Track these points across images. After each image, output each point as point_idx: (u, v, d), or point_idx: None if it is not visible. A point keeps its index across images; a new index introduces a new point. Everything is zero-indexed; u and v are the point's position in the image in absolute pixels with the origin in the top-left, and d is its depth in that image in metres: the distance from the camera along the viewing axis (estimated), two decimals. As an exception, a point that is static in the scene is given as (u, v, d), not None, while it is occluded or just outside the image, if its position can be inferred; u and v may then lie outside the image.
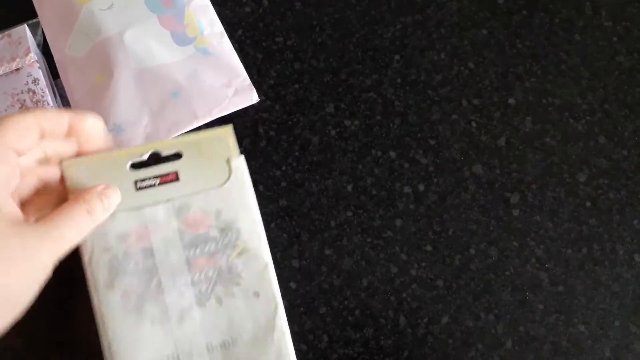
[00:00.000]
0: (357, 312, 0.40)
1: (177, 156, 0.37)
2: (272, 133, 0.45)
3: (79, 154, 0.36)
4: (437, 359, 0.38)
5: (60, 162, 0.36)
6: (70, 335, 0.39)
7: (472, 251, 0.41)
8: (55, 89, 0.45)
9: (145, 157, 0.38)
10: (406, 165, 0.44)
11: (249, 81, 0.45)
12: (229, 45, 0.46)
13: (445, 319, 0.39)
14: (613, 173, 0.44)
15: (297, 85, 0.46)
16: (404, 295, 0.40)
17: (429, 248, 0.41)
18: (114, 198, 0.35)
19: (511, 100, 0.46)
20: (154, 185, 0.37)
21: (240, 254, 0.36)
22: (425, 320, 0.39)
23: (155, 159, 0.37)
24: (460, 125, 0.45)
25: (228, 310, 0.35)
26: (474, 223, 0.42)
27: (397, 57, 0.47)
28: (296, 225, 0.42)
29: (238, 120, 0.45)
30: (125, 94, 0.44)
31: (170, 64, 0.44)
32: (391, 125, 0.45)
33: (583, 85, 0.46)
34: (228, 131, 0.38)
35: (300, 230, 0.42)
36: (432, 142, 0.44)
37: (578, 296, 0.40)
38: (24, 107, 0.43)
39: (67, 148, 0.35)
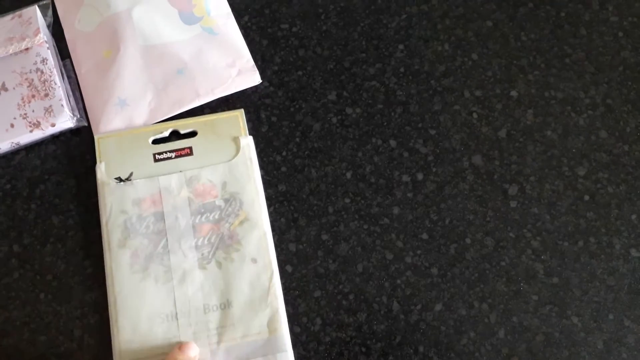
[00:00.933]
0: (351, 296, 0.40)
1: (193, 134, 0.43)
2: (274, 119, 0.45)
3: None
4: (429, 346, 0.39)
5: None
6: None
7: (468, 241, 0.41)
8: (63, 69, 0.46)
9: (166, 134, 0.43)
10: (406, 154, 0.44)
11: (252, 62, 0.45)
12: (234, 27, 0.47)
13: (438, 307, 0.40)
14: (613, 168, 0.44)
15: (300, 72, 0.46)
16: (399, 281, 0.40)
17: (425, 236, 0.42)
18: (193, 348, 0.36)
19: (513, 93, 0.46)
20: (171, 157, 0.42)
21: (241, 222, 0.40)
22: (419, 307, 0.40)
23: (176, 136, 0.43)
24: (461, 116, 0.45)
25: (227, 274, 0.39)
26: (471, 213, 0.42)
27: (401, 46, 0.47)
28: (294, 210, 0.42)
29: (241, 104, 0.45)
30: (130, 69, 0.44)
31: (177, 42, 0.45)
32: (392, 114, 0.45)
33: (586, 79, 0.46)
34: (239, 113, 0.43)
35: (298, 215, 0.42)
36: (433, 132, 0.45)
37: (573, 288, 0.40)
38: (32, 86, 0.44)
39: None
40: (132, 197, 0.40)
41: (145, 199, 0.40)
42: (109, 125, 0.44)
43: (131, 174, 0.41)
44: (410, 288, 0.40)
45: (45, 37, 0.45)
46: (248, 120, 0.45)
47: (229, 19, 0.47)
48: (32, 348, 0.39)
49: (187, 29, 0.46)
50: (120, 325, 0.38)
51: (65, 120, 0.43)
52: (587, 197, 0.43)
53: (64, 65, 0.46)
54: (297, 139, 0.44)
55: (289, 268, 0.41)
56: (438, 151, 0.44)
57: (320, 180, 0.43)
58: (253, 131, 0.44)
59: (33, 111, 0.43)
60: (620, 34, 0.48)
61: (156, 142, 0.43)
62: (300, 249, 0.41)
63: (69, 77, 0.46)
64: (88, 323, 0.39)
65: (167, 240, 0.39)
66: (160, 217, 0.40)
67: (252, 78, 0.45)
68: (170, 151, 0.42)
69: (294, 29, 0.48)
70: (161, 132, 0.43)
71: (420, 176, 0.43)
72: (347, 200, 0.43)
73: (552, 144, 0.44)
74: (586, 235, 0.42)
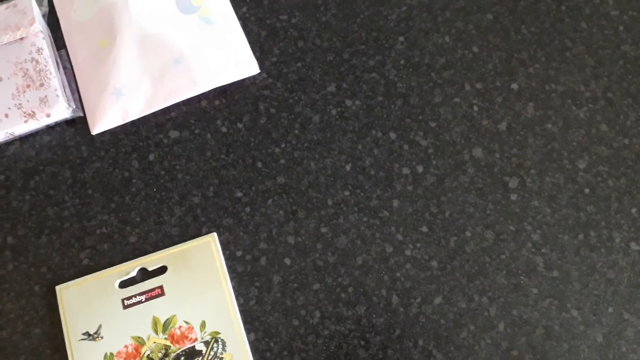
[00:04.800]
0: (350, 289, 0.40)
1: (163, 269, 0.39)
2: (272, 110, 0.45)
3: None
4: (428, 339, 0.39)
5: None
6: None
7: (468, 234, 0.41)
8: (58, 59, 0.45)
9: (133, 274, 0.39)
10: (406, 146, 0.44)
11: (250, 52, 0.45)
12: (232, 17, 0.46)
13: (438, 300, 0.40)
14: (613, 161, 0.43)
15: (299, 64, 0.46)
16: (398, 274, 0.40)
17: (424, 229, 0.41)
18: None
19: (514, 86, 0.46)
20: (141, 301, 0.37)
21: None
22: (418, 300, 0.40)
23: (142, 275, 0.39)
24: (461, 109, 0.45)
25: None
26: (471, 206, 0.42)
27: (401, 38, 0.47)
28: (293, 202, 0.42)
29: (239, 96, 0.45)
30: (127, 59, 0.44)
31: (174, 32, 0.45)
32: (392, 106, 0.45)
33: (587, 73, 0.46)
34: (212, 238, 0.39)
35: (297, 207, 0.42)
36: (433, 124, 0.44)
37: (572, 282, 0.40)
38: (26, 76, 0.43)
39: None
40: (103, 352, 0.36)
41: (119, 353, 0.36)
42: (104, 115, 0.43)
43: (100, 327, 0.37)
44: (409, 281, 0.40)
45: (40, 26, 0.44)
46: (246, 112, 0.44)
47: (228, 9, 0.46)
48: (26, 341, 0.38)
49: (185, 18, 0.45)
50: None
51: (61, 111, 0.43)
52: (587, 191, 0.42)
53: (60, 56, 0.46)
54: (296, 131, 0.44)
55: (287, 261, 0.40)
56: (438, 144, 0.44)
57: (320, 173, 0.43)
58: (251, 123, 0.44)
59: (28, 101, 0.42)
60: (621, 27, 0.48)
61: (123, 284, 0.39)
62: (299, 241, 0.41)
63: (64, 67, 0.45)
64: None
65: None
66: None
67: (250, 68, 0.45)
68: (140, 294, 0.38)
69: (293, 20, 0.47)
70: (127, 274, 0.38)
71: (420, 169, 0.43)
72: (347, 193, 0.42)
73: (552, 137, 0.44)
74: (586, 229, 0.41)
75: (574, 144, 0.44)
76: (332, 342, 0.39)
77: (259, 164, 0.43)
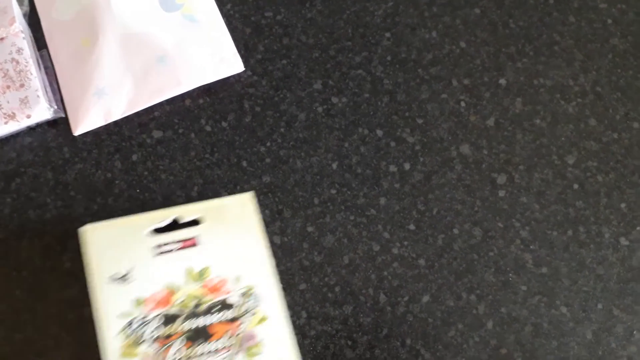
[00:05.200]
0: (337, 289, 0.39)
1: (197, 222, 0.38)
2: (257, 108, 0.44)
3: None
4: (416, 338, 0.38)
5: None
6: None
7: (456, 231, 0.41)
8: (39, 60, 0.45)
9: (165, 223, 0.38)
10: (393, 143, 0.43)
11: (235, 50, 0.44)
12: (216, 14, 0.45)
13: (426, 298, 0.39)
14: (602, 156, 0.43)
15: (284, 61, 0.45)
16: (385, 273, 0.40)
17: (412, 227, 0.41)
18: None
19: (502, 81, 0.45)
20: (174, 250, 0.36)
21: (260, 321, 0.35)
22: (406, 298, 0.39)
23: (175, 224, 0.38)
24: (449, 105, 0.44)
25: None
26: (459, 203, 0.41)
27: (387, 34, 0.46)
28: (279, 201, 0.41)
29: (224, 94, 0.44)
30: (109, 58, 0.43)
31: (157, 30, 0.44)
32: (379, 103, 0.44)
33: (575, 67, 0.46)
34: (249, 197, 0.38)
35: (283, 206, 0.41)
36: (420, 121, 0.44)
37: (562, 278, 0.40)
38: (6, 77, 0.42)
39: None
40: (132, 297, 0.35)
41: (149, 299, 0.35)
42: (86, 115, 0.43)
43: (130, 271, 0.36)
44: (397, 280, 0.40)
45: (21, 26, 0.44)
46: (231, 111, 0.44)
47: (211, 6, 0.46)
48: (7, 347, 0.38)
49: (168, 16, 0.45)
50: None
51: (42, 111, 0.42)
52: (576, 186, 0.42)
53: (41, 56, 0.45)
54: (282, 129, 0.43)
55: (273, 261, 0.40)
56: (425, 140, 0.43)
57: (306, 171, 0.42)
58: (236, 121, 0.43)
59: (8, 102, 0.42)
60: (609, 21, 0.47)
61: (155, 230, 0.38)
62: (285, 241, 0.40)
63: (46, 68, 0.45)
64: (65, 320, 0.38)
65: (180, 344, 0.34)
66: (168, 318, 0.35)
67: (234, 66, 0.44)
68: (174, 243, 0.37)
69: (278, 17, 0.47)
70: (160, 222, 0.37)
71: (407, 166, 0.42)
72: (333, 192, 0.42)
73: (541, 132, 0.44)
74: (575, 225, 0.41)
75: (563, 139, 0.43)
76: (318, 343, 0.38)
77: (244, 163, 0.42)
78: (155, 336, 0.34)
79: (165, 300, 0.35)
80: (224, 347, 0.34)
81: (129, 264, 0.36)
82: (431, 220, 0.41)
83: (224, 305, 0.35)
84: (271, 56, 0.45)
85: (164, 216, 0.37)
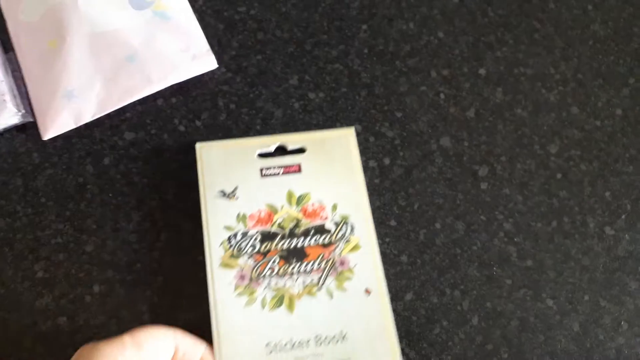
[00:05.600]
0: (318, 289, 0.38)
1: (301, 150, 0.40)
2: (232, 106, 0.43)
3: None
4: (400, 337, 0.37)
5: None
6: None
7: (438, 225, 0.40)
8: (6, 63, 0.43)
9: (272, 148, 0.40)
10: (372, 138, 0.42)
11: (207, 47, 0.43)
12: (188, 10, 0.44)
13: (409, 296, 0.38)
14: (585, 144, 0.42)
15: (259, 57, 0.44)
16: (367, 271, 0.39)
17: (393, 223, 0.40)
18: None
19: (481, 71, 0.44)
20: (278, 174, 0.39)
21: (353, 248, 0.37)
22: (389, 296, 0.38)
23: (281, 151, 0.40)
24: (428, 97, 0.43)
25: (339, 304, 0.35)
26: (441, 197, 0.40)
27: (364, 26, 0.45)
28: (257, 201, 0.40)
29: (197, 92, 0.43)
30: (77, 59, 0.42)
31: (126, 28, 0.43)
32: (357, 97, 0.43)
33: (556, 54, 0.45)
34: (351, 132, 0.40)
35: (261, 206, 0.40)
36: (399, 114, 0.43)
37: (547, 270, 0.39)
38: (-29, 81, 0.41)
39: None
40: (236, 213, 0.38)
41: (251, 215, 0.38)
42: (56, 119, 0.41)
43: (236, 188, 0.38)
44: (379, 278, 0.39)
45: (-15, 28, 0.42)
46: (205, 109, 0.43)
47: (182, 2, 0.44)
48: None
49: (137, 14, 0.43)
50: (223, 355, 0.34)
51: (10, 116, 0.41)
52: (559, 176, 0.41)
53: (8, 59, 0.44)
54: (258, 127, 0.42)
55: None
56: (405, 134, 0.42)
57: (283, 169, 0.41)
58: (210, 120, 0.42)
59: (-27, 107, 0.40)
60: (589, 7, 0.46)
61: (262, 155, 0.40)
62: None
63: (13, 71, 0.43)
64: (39, 332, 0.37)
65: (274, 261, 0.36)
66: (267, 236, 0.37)
67: (207, 63, 0.43)
68: (278, 167, 0.39)
69: (252, 12, 0.45)
70: (267, 146, 0.40)
71: (387, 161, 0.41)
72: (312, 189, 0.41)
73: (522, 122, 0.43)
74: (559, 215, 0.40)
75: (545, 128, 0.43)
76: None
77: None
78: (253, 251, 0.37)
79: (266, 219, 0.37)
80: (317, 269, 0.36)
81: (236, 182, 0.38)
82: (412, 216, 0.40)
83: (320, 230, 0.37)
84: (245, 52, 0.44)
85: (271, 142, 0.40)
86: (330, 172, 0.39)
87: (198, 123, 0.42)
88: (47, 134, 0.41)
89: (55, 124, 0.41)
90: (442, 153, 0.42)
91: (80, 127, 0.42)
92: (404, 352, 0.37)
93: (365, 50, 0.44)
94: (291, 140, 0.40)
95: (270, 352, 0.34)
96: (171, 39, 0.43)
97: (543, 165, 0.41)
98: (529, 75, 0.44)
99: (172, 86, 0.43)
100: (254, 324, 0.35)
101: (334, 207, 0.38)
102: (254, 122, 0.42)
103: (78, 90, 0.42)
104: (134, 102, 0.42)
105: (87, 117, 0.42)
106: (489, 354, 0.37)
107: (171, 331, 0.32)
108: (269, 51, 0.44)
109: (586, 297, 0.38)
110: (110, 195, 0.40)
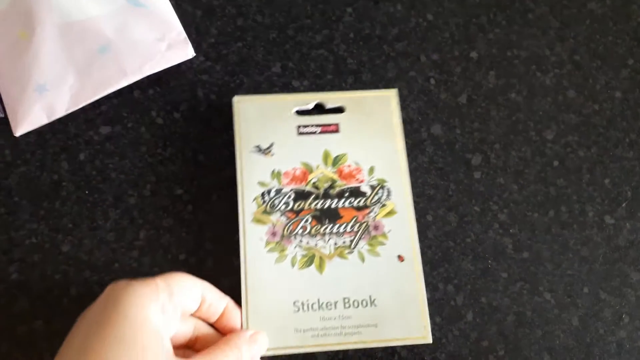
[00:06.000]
0: (304, 287, 0.37)
1: (339, 110, 0.39)
2: (212, 96, 0.41)
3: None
4: (391, 335, 0.36)
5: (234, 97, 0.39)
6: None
7: (430, 217, 0.38)
8: (-25, 55, 0.41)
9: (311, 106, 0.39)
10: (359, 127, 0.40)
11: (184, 35, 0.41)
12: (161, -4, 0.42)
13: (400, 292, 0.37)
14: (583, 129, 0.40)
15: (240, 44, 0.42)
16: (356, 267, 0.37)
17: (382, 216, 0.38)
18: (263, 344, 0.33)
19: (473, 54, 0.42)
20: (315, 132, 0.38)
21: (389, 213, 0.36)
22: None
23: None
24: (417, 83, 0.41)
25: (370, 268, 0.35)
26: (432, 188, 0.39)
27: (349, 9, 0.43)
28: (240, 195, 0.39)
29: (175, 83, 0.41)
30: (48, 51, 0.40)
31: (98, 17, 0.41)
32: (343, 84, 0.41)
33: (551, 35, 0.43)
34: (393, 93, 0.39)
35: (244, 201, 0.38)
36: (388, 101, 0.41)
37: (544, 262, 0.37)
38: (-63, 76, 0.39)
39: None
40: (271, 169, 0.37)
41: (286, 173, 0.37)
42: (28, 114, 0.39)
43: (272, 145, 0.38)
44: (369, 274, 0.37)
45: (-50, 19, 0.40)
46: (183, 100, 0.41)
47: (157, -12, 0.42)
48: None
49: (110, 1, 0.41)
50: (250, 309, 0.34)
51: (-21, 112, 0.39)
52: (556, 163, 0.39)
53: (-23, 51, 0.42)
54: (240, 118, 0.40)
55: (235, 261, 0.37)
56: (394, 122, 0.40)
57: (267, 162, 0.39)
58: (189, 112, 0.40)
59: (-61, 103, 0.38)
60: (586, -16, 0.44)
61: (299, 112, 0.39)
62: (247, 238, 0.38)
63: (-18, 64, 0.41)
64: (15, 336, 0.35)
65: (306, 220, 0.36)
66: (301, 194, 0.36)
67: (184, 52, 0.41)
68: (315, 125, 0.38)
69: (232, -3, 0.43)
70: (306, 104, 0.39)
71: (375, 151, 0.40)
72: (297, 182, 0.39)
73: (516, 107, 0.41)
74: (557, 204, 0.38)
75: (541, 113, 0.41)
76: (287, 346, 0.36)
77: (201, 157, 0.39)
78: (286, 209, 0.36)
79: (300, 178, 0.37)
80: (350, 231, 0.36)
81: (272, 139, 0.38)
82: (403, 208, 0.38)
83: (356, 193, 0.37)
84: (225, 39, 0.42)
85: (310, 99, 0.39)
86: (369, 134, 0.38)
87: (176, 115, 0.40)
88: (19, 130, 0.40)
89: (27, 120, 0.39)
90: (433, 141, 0.40)
91: (53, 122, 0.40)
92: (395, 351, 0.35)
93: (351, 35, 0.42)
94: (330, 98, 0.39)
95: (297, 310, 0.34)
96: (146, 27, 0.41)
97: (539, 152, 0.40)
98: (523, 58, 0.42)
99: (149, 77, 0.41)
100: (282, 281, 0.35)
101: (371, 170, 0.37)
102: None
103: (50, 84, 0.40)
104: (110, 94, 0.40)
105: (61, 112, 0.40)
106: (485, 350, 0.35)
107: (199, 281, 0.32)
108: (250, 38, 0.42)
109: (585, 290, 0.37)
110: (87, 192, 0.39)
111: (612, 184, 0.39)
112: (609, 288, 0.37)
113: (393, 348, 0.35)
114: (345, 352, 0.35)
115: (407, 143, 0.40)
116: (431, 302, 0.36)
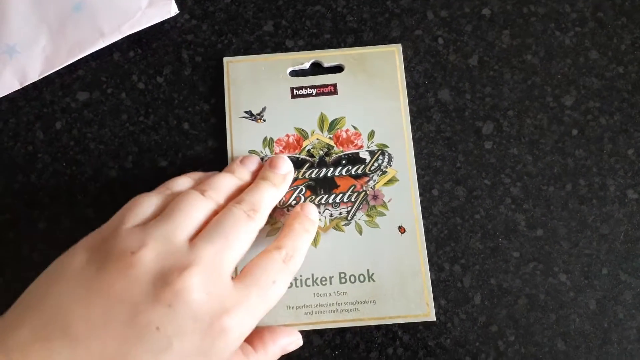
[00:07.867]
0: (299, 267, 0.34)
1: (337, 70, 0.36)
2: (198, 59, 0.37)
3: None
4: (392, 319, 0.33)
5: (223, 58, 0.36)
6: None
7: (435, 192, 0.35)
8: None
9: (307, 65, 0.36)
10: (360, 92, 0.37)
11: (165, -9, 0.37)
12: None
13: (402, 273, 0.34)
14: (605, 94, 0.37)
15: (228, 0, 0.38)
16: (355, 246, 0.34)
17: (384, 190, 0.35)
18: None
19: (485, 11, 0.38)
20: (311, 95, 0.36)
21: (389, 181, 0.34)
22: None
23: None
24: (424, 43, 0.38)
25: (369, 240, 0.33)
26: (438, 159, 0.35)
27: (349, -38, 0.39)
28: (229, 168, 0.35)
29: (157, 44, 0.37)
30: (18, 9, 0.36)
31: (69, -25, 0.37)
32: (342, 45, 0.38)
33: (573, -11, 0.39)
34: (397, 48, 0.36)
35: (234, 173, 0.35)
36: (391, 64, 0.37)
37: (560, 241, 0.34)
38: None
39: None
40: (263, 136, 0.35)
41: (279, 140, 0.35)
42: (-3, 79, 0.36)
43: (264, 109, 0.35)
44: (368, 253, 0.34)
45: None
46: (167, 63, 0.37)
47: (136, -62, 0.38)
48: None
49: (85, -47, 0.37)
50: None
51: (-56, 77, 0.35)
52: (575, 132, 0.36)
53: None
54: (229, 83, 0.37)
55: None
56: (398, 87, 0.37)
57: (259, 131, 0.36)
58: (173, 75, 0.37)
59: None
60: None
61: (294, 74, 0.36)
62: (237, 214, 0.35)
63: (-52, 23, 0.38)
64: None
65: (300, 191, 0.34)
66: (295, 163, 0.34)
67: (166, 9, 0.37)
68: (311, 87, 0.36)
69: (220, -52, 0.39)
70: (301, 63, 0.36)
71: (377, 118, 0.36)
72: (291, 153, 0.36)
73: (533, 70, 0.37)
74: (575, 177, 0.35)
75: (559, 76, 0.37)
76: (280, 330, 0.33)
77: (186, 126, 0.36)
78: None
79: (294, 145, 0.35)
80: (347, 202, 0.34)
81: (264, 103, 0.36)
82: (406, 181, 0.35)
83: (354, 160, 0.34)
84: (212, -4, 0.38)
85: (306, 57, 0.37)
86: (369, 94, 0.35)
87: (160, 79, 0.37)
88: (-11, 97, 0.36)
89: (-3, 85, 0.36)
90: (441, 108, 0.36)
91: (26, 87, 0.37)
92: (396, 335, 0.33)
93: (352, -10, 0.38)
94: (328, 56, 0.36)
95: (290, 286, 0.32)
96: (123, -19, 0.37)
97: (556, 120, 0.36)
98: (540, 15, 0.38)
99: (129, 37, 0.37)
100: None
101: (371, 135, 0.35)
102: (223, 77, 0.37)
103: (21, 45, 0.36)
104: (87, 57, 0.37)
105: (34, 76, 0.37)
106: (493, 336, 0.33)
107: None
108: (241, -6, 0.38)
109: (604, 271, 0.34)
110: (64, 164, 0.36)
111: (636, 155, 0.36)
112: (630, 269, 0.34)
113: (394, 332, 0.33)
114: (342, 335, 0.33)
115: (411, 110, 0.36)
116: (436, 284, 0.33)
